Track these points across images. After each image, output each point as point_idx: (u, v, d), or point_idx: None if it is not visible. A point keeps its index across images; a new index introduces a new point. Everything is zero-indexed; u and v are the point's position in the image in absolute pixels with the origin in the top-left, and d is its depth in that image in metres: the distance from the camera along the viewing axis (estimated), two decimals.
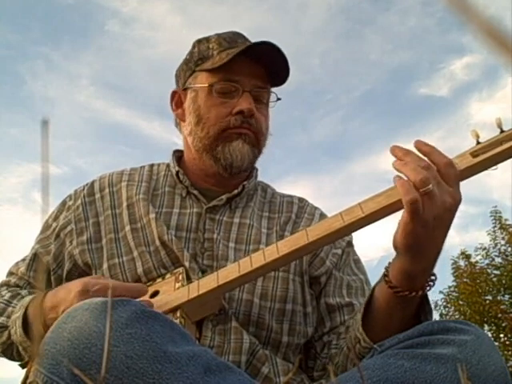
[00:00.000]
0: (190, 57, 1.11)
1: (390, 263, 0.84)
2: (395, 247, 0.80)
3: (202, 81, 1.06)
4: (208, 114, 1.04)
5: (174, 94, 1.14)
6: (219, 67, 1.02)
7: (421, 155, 0.78)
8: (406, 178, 0.76)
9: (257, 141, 1.07)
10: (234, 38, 1.09)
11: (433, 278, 0.83)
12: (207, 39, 1.10)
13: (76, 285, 0.86)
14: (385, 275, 0.83)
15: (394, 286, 0.81)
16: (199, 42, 1.11)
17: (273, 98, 1.12)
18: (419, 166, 0.75)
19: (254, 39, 1.07)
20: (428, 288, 0.83)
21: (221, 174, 1.06)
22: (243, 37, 1.10)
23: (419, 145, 0.79)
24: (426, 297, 0.85)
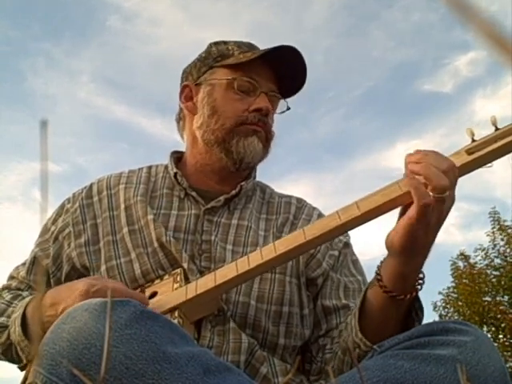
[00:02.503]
0: (206, 55, 1.13)
1: (380, 266, 0.85)
2: (390, 247, 0.80)
3: (220, 76, 1.08)
4: (224, 107, 1.06)
5: (184, 87, 1.15)
6: (241, 64, 1.04)
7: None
8: (420, 178, 0.76)
9: (267, 141, 1.09)
10: (251, 45, 1.12)
11: (421, 276, 0.83)
12: (224, 42, 1.13)
13: (79, 285, 0.85)
14: (378, 279, 0.84)
15: (389, 289, 0.81)
16: (216, 43, 1.14)
17: (282, 107, 1.14)
18: (440, 169, 0.75)
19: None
20: (419, 288, 0.84)
21: (228, 168, 1.07)
22: (257, 47, 1.13)
23: (429, 151, 0.79)
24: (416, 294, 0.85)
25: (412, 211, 0.75)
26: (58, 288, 0.92)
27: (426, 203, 0.74)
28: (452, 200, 0.77)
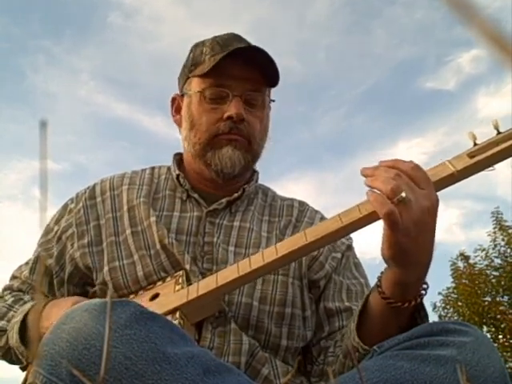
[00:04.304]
0: (186, 62, 1.11)
1: (382, 272, 0.84)
2: (383, 259, 0.80)
3: (194, 87, 1.07)
4: (200, 120, 1.05)
5: (173, 99, 1.15)
6: (210, 72, 1.01)
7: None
8: (378, 192, 0.76)
9: (249, 145, 1.06)
10: (228, 41, 1.06)
11: (424, 286, 0.83)
12: (203, 43, 1.10)
13: (69, 300, 0.90)
14: (378, 285, 0.83)
15: (387, 296, 0.81)
16: (196, 46, 1.11)
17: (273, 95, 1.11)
18: (388, 176, 0.75)
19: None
20: (420, 297, 0.83)
21: (214, 179, 1.07)
22: (239, 39, 1.08)
23: (383, 163, 0.79)
24: (421, 302, 0.85)
25: (383, 223, 0.75)
26: (54, 302, 0.94)
27: (386, 212, 0.73)
28: (428, 199, 0.75)
